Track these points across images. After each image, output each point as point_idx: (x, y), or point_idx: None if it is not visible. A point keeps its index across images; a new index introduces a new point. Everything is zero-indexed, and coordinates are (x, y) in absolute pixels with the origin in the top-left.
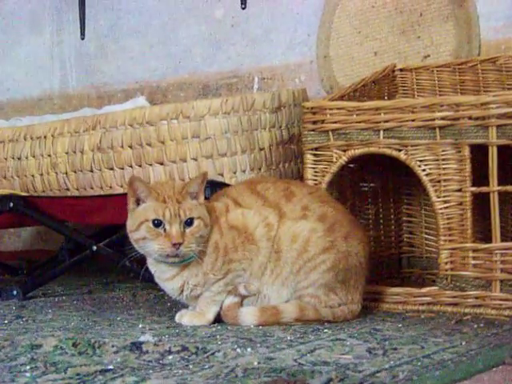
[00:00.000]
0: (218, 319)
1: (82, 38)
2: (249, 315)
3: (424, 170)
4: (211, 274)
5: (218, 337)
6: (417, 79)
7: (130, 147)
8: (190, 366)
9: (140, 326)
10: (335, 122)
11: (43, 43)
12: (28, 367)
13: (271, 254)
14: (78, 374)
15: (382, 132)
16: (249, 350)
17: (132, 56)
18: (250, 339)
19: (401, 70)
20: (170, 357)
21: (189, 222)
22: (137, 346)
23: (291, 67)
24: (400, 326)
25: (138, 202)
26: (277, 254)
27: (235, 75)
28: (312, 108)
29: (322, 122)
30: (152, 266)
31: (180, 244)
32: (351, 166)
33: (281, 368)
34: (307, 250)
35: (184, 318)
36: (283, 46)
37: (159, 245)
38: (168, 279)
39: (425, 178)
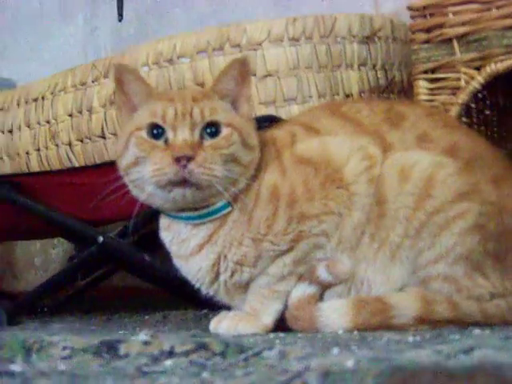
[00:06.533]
0: (280, 324)
1: (120, 20)
2: (336, 314)
3: None
4: (267, 242)
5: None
6: None
7: None
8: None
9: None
10: (462, 24)
11: (75, 33)
12: None
13: (372, 207)
14: None
15: None
16: None
17: (178, 32)
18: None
19: None
20: (169, 361)
21: (212, 131)
22: (109, 347)
23: None
24: None
25: (133, 110)
26: (380, 206)
27: None
28: (424, 8)
29: (441, 26)
30: (165, 230)
31: (189, 159)
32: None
33: None
34: (431, 195)
35: (223, 322)
36: None
37: (155, 164)
38: (192, 253)
39: None
